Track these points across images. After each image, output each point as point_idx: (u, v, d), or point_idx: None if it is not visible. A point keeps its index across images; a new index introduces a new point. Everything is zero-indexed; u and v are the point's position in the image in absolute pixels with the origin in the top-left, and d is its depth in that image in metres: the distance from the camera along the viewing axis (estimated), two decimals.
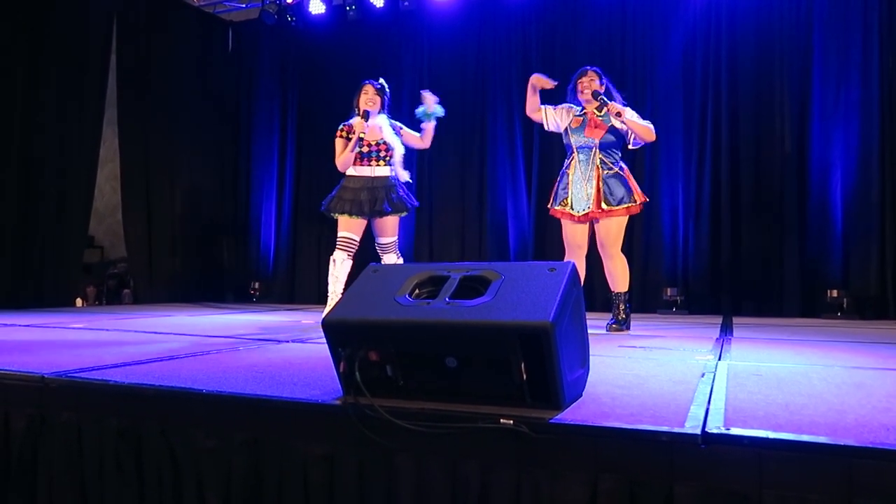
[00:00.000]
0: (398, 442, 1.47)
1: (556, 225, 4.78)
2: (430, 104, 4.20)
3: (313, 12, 6.74)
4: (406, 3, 6.33)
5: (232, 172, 7.39)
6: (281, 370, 2.08)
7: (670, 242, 5.69)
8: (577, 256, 3.85)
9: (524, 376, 1.46)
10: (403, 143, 4.25)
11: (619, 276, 3.77)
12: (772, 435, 1.25)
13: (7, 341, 2.78)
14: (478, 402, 1.52)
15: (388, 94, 4.28)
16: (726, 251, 5.49)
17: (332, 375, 1.91)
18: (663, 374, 2.04)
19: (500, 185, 6.21)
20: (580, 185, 3.76)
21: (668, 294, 5.56)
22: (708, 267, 5.55)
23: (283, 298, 6.92)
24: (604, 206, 3.71)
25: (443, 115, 4.27)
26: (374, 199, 4.16)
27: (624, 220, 3.75)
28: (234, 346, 2.74)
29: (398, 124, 4.32)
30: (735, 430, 1.28)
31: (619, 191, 3.69)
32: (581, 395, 1.64)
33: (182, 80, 6.85)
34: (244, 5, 7.43)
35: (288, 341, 2.99)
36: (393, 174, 4.19)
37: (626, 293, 3.79)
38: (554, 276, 1.57)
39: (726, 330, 3.86)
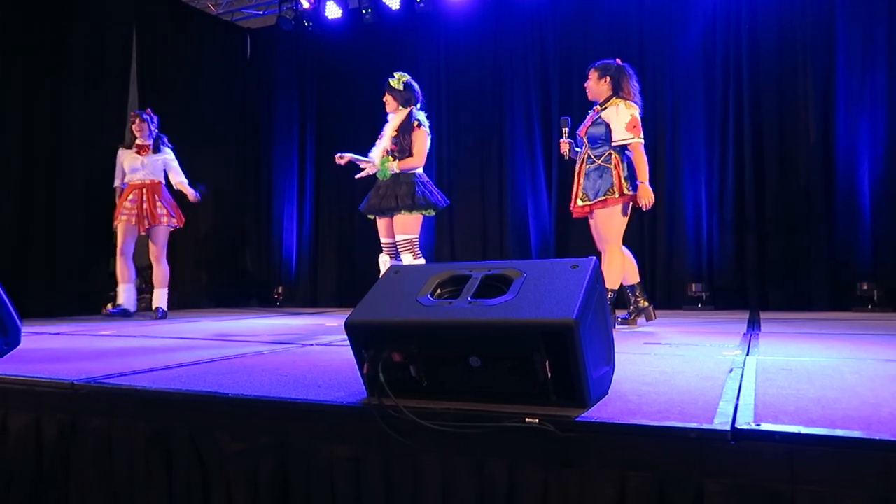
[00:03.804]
0: (423, 443, 1.46)
1: (576, 223, 4.75)
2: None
3: (329, 17, 6.78)
4: (421, 4, 6.34)
5: (254, 178, 7.46)
6: (305, 373, 2.09)
7: (694, 237, 5.62)
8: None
9: (549, 375, 1.45)
10: (409, 140, 4.24)
11: (606, 272, 3.59)
12: (804, 430, 1.23)
13: (38, 349, 2.83)
14: (503, 402, 1.51)
15: (400, 89, 4.27)
16: (752, 244, 5.41)
17: (356, 377, 1.92)
18: (690, 370, 2.02)
19: (520, 183, 6.19)
20: (573, 181, 3.80)
21: (693, 290, 5.49)
22: (733, 261, 5.47)
23: (306, 302, 6.96)
24: (579, 202, 3.69)
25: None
26: (381, 196, 4.24)
27: (609, 212, 3.63)
28: (259, 351, 2.76)
29: (416, 122, 4.28)
30: (766, 426, 1.26)
31: (597, 184, 3.63)
32: (607, 393, 1.63)
33: (202, 88, 6.93)
34: (261, 12, 7.50)
35: (312, 344, 3.01)
36: (399, 170, 4.20)
37: (613, 292, 3.61)
38: (576, 272, 1.55)
39: (754, 325, 3.81)
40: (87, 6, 5.83)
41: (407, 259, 4.23)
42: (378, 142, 4.37)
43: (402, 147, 4.23)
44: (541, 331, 1.41)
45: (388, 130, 4.32)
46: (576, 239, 5.68)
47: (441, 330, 1.52)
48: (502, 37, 6.36)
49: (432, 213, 4.36)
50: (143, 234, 5.18)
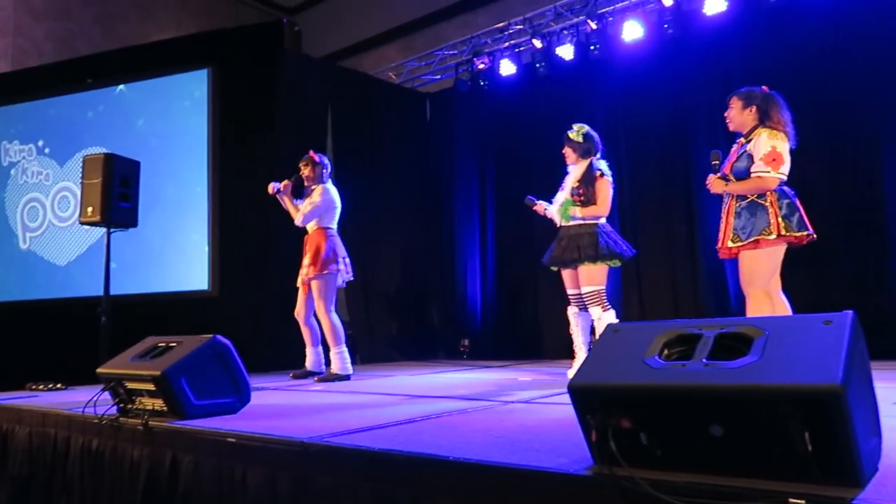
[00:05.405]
0: None
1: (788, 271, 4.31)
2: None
3: (504, 74, 6.96)
4: (596, 52, 6.31)
5: (437, 235, 7.73)
6: (518, 435, 2.05)
7: None
8: None
9: (809, 447, 1.28)
10: (592, 190, 4.16)
11: None
12: None
13: (263, 405, 3.07)
14: (751, 476, 1.35)
15: (580, 140, 4.26)
16: None
17: (573, 441, 1.84)
18: None
19: (712, 226, 5.79)
20: (721, 221, 3.47)
21: None
22: None
23: (491, 354, 6.97)
24: (729, 243, 3.33)
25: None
26: (563, 248, 4.20)
27: (760, 254, 3.24)
28: (464, 409, 2.77)
29: (598, 172, 4.21)
30: None
31: (750, 223, 3.25)
32: (877, 469, 1.40)
33: (387, 152, 7.39)
34: (439, 77, 7.90)
35: (512, 402, 2.97)
36: (584, 219, 4.16)
37: None
38: (831, 329, 1.38)
39: None
40: (291, 92, 6.54)
41: (595, 312, 4.10)
42: (559, 194, 4.36)
43: (587, 198, 4.17)
44: (798, 398, 1.26)
45: (570, 182, 4.29)
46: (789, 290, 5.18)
47: (675, 395, 1.41)
48: (681, 72, 6.11)
49: (617, 263, 4.22)
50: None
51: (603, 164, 4.28)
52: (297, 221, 4.78)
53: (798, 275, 4.77)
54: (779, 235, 3.21)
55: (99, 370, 2.84)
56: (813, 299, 4.67)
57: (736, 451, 1.37)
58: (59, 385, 4.22)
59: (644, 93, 6.28)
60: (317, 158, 4.89)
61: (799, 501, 1.21)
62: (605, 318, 4.00)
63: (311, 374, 4.80)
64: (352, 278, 4.90)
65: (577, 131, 4.28)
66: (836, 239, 5.08)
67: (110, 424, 2.67)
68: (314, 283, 4.63)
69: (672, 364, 1.48)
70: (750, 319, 1.52)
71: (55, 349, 5.99)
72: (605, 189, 4.17)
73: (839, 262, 5.11)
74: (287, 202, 4.93)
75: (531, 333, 6.82)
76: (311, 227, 4.78)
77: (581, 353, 4.24)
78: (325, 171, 4.91)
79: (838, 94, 5.24)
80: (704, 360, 1.44)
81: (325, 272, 4.59)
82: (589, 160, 4.25)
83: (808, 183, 5.22)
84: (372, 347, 6.94)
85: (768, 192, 3.27)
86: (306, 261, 4.69)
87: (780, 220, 3.22)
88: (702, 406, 1.38)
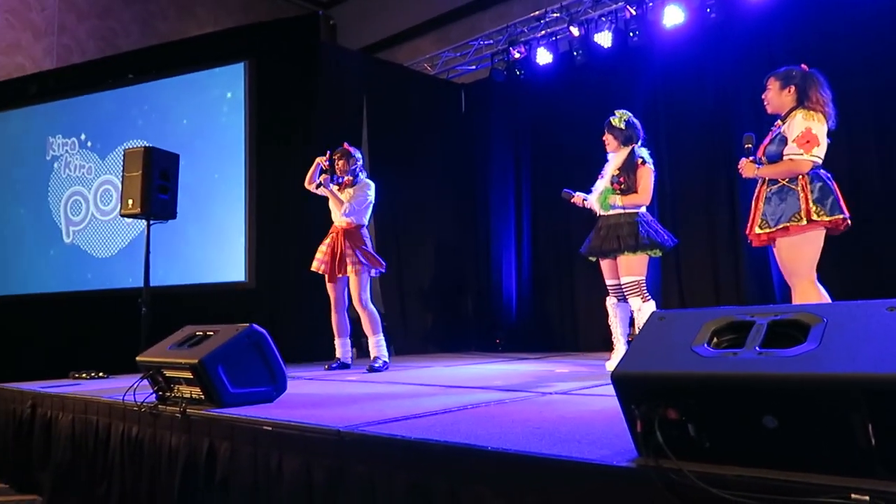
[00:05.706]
0: None
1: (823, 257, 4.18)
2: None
3: (540, 63, 6.86)
4: (635, 39, 6.16)
5: (472, 227, 7.67)
6: (558, 426, 1.99)
7: None
8: None
9: (872, 441, 1.20)
10: (633, 178, 4.07)
11: None
12: None
13: (300, 395, 3.06)
14: (806, 470, 1.29)
15: (622, 127, 4.16)
16: None
17: (614, 432, 1.79)
18: None
19: None
20: (752, 205, 3.36)
21: None
22: None
23: (526, 347, 6.90)
24: (757, 229, 3.21)
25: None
26: (602, 238, 4.12)
27: (795, 242, 3.11)
28: (501, 399, 2.72)
29: (640, 160, 4.12)
30: None
31: (779, 209, 3.11)
32: None
33: (423, 144, 7.35)
34: (474, 67, 7.83)
35: (551, 393, 2.92)
36: (624, 208, 4.09)
37: None
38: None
39: None
40: (327, 84, 6.55)
41: (635, 303, 4.02)
42: (598, 182, 4.28)
43: (627, 186, 4.09)
44: (861, 388, 1.18)
45: (610, 170, 4.20)
46: (828, 281, 5.01)
47: (727, 385, 1.34)
48: (724, 57, 5.92)
49: (658, 253, 4.13)
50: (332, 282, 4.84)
51: (644, 152, 4.19)
52: (343, 212, 4.77)
53: (844, 263, 4.64)
54: (809, 221, 3.07)
55: (138, 358, 2.87)
56: (859, 290, 4.50)
57: (791, 444, 1.30)
58: (100, 374, 4.31)
59: (685, 80, 6.12)
60: (351, 150, 4.91)
61: (863, 497, 1.13)
62: (644, 308, 3.92)
63: (345, 365, 4.81)
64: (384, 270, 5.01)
65: (619, 118, 4.19)
66: (885, 227, 4.89)
67: (149, 412, 2.69)
68: (356, 278, 4.68)
69: (722, 352, 1.41)
70: (806, 306, 1.44)
71: (97, 339, 6.13)
72: (647, 177, 4.08)
73: (888, 251, 4.91)
74: (331, 194, 4.86)
75: (567, 326, 6.75)
76: (348, 222, 4.78)
77: (620, 344, 4.15)
78: (358, 163, 4.92)
79: (889, 79, 5.04)
80: (757, 349, 1.37)
81: (371, 269, 4.76)
82: (630, 148, 4.16)
83: (857, 169, 5.06)
84: (406, 339, 6.94)
85: (800, 176, 3.14)
86: (351, 257, 4.67)
87: (811, 204, 3.08)
88: (755, 396, 1.31)
